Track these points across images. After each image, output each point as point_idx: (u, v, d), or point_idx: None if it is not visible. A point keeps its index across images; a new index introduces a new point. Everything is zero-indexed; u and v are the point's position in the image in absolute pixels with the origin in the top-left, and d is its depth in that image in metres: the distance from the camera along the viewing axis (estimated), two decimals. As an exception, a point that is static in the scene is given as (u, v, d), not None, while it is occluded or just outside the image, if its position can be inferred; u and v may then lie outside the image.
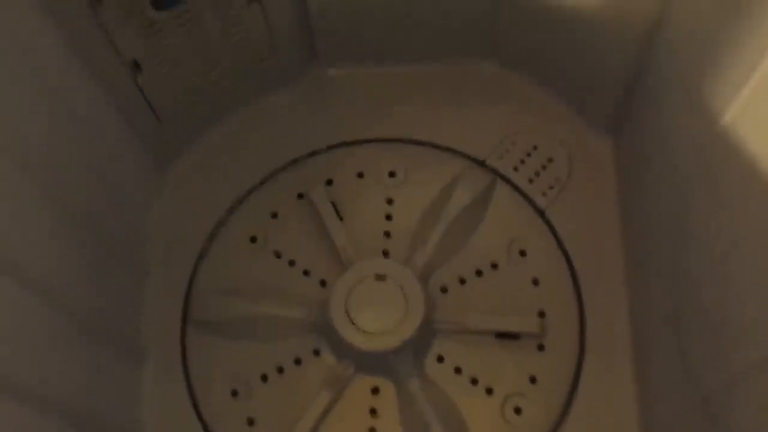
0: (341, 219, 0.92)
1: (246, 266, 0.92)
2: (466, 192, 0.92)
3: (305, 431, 0.82)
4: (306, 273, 0.91)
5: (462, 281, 0.90)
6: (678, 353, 0.72)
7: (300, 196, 0.95)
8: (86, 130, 0.80)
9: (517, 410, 0.83)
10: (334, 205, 0.93)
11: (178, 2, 0.78)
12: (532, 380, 0.85)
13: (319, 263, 0.91)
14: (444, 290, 0.89)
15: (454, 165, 0.95)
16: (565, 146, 0.96)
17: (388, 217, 0.93)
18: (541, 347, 0.86)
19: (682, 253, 0.71)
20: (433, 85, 1.01)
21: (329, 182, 0.95)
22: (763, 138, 0.56)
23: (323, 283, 0.90)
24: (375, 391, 0.85)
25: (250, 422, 0.84)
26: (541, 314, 0.87)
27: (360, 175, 0.96)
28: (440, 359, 0.86)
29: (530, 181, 0.94)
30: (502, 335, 0.86)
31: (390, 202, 0.94)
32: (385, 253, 0.91)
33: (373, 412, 0.84)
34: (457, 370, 0.86)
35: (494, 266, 0.90)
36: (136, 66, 0.85)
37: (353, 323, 0.82)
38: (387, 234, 0.92)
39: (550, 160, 0.95)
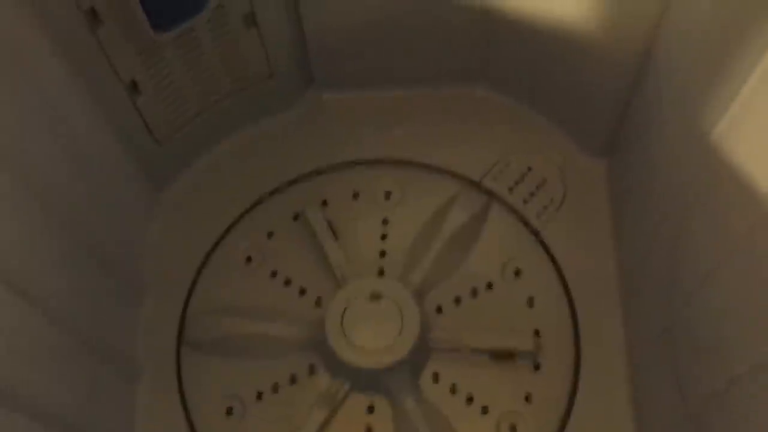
0: (337, 239, 0.93)
1: (242, 286, 0.92)
2: (461, 213, 0.93)
3: (301, 449, 0.82)
4: (302, 292, 0.91)
5: (457, 301, 0.90)
6: (670, 370, 0.72)
7: (296, 216, 0.96)
8: (85, 151, 0.81)
9: (513, 429, 0.83)
10: (330, 225, 0.93)
11: (177, 24, 0.79)
12: (528, 399, 0.85)
13: (314, 282, 0.91)
14: (439, 310, 0.90)
15: (449, 186, 0.96)
16: (558, 168, 0.97)
17: (384, 237, 0.94)
18: (536, 366, 0.86)
19: (674, 270, 0.72)
20: (428, 108, 1.02)
21: (325, 203, 0.96)
22: (749, 152, 0.57)
23: (319, 302, 0.90)
24: (370, 409, 0.85)
25: (245, 440, 0.84)
26: (536, 333, 0.88)
27: (355, 196, 0.97)
28: (436, 378, 0.86)
29: (525, 201, 0.95)
30: (498, 354, 0.86)
31: (385, 222, 0.95)
32: (381, 273, 0.92)
33: (368, 430, 0.84)
34: (453, 389, 0.86)
35: (489, 286, 0.91)
36: (135, 87, 0.86)
37: (348, 341, 0.83)
38: (382, 254, 0.93)
39: (545, 181, 0.96)
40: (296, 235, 0.95)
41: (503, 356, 0.86)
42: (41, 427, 0.66)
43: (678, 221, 0.71)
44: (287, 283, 0.92)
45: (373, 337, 0.83)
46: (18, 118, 0.69)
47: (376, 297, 0.85)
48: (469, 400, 0.85)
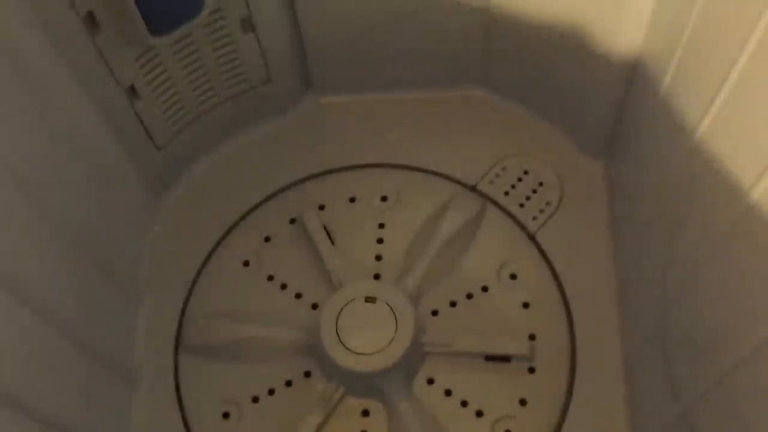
0: (333, 243, 0.93)
1: (239, 289, 0.93)
2: (457, 216, 0.93)
3: (296, 453, 0.82)
4: (298, 296, 0.92)
5: (452, 304, 0.90)
6: (663, 370, 0.72)
7: (293, 220, 0.96)
8: (84, 156, 0.82)
9: (508, 433, 0.83)
10: (326, 229, 0.94)
11: (174, 28, 0.80)
12: (522, 403, 0.85)
13: (310, 286, 0.92)
14: (435, 313, 0.90)
15: (445, 190, 0.96)
16: (555, 171, 0.97)
17: (380, 241, 0.94)
18: (531, 370, 0.86)
19: (666, 270, 0.72)
20: (424, 111, 1.03)
21: (322, 207, 0.97)
22: (730, 151, 0.57)
23: (315, 306, 0.91)
24: (365, 413, 0.85)
25: (241, 444, 0.85)
26: (532, 337, 0.88)
27: (352, 200, 0.97)
28: (430, 381, 0.86)
29: (521, 205, 0.95)
30: (493, 358, 0.86)
31: (382, 226, 0.95)
32: (377, 276, 0.92)
33: (363, 434, 0.85)
34: (447, 393, 0.86)
35: (485, 289, 0.91)
36: (134, 92, 0.86)
37: (343, 344, 0.83)
38: (378, 257, 0.93)
39: (541, 184, 0.96)
40: (293, 239, 0.95)
41: (498, 360, 0.86)
42: (38, 430, 0.67)
43: (670, 222, 0.71)
44: (283, 287, 0.92)
45: (368, 341, 0.83)
46: (16, 123, 0.69)
47: (370, 300, 0.85)
48: (464, 403, 0.85)
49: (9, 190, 0.66)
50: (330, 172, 1.00)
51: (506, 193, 0.96)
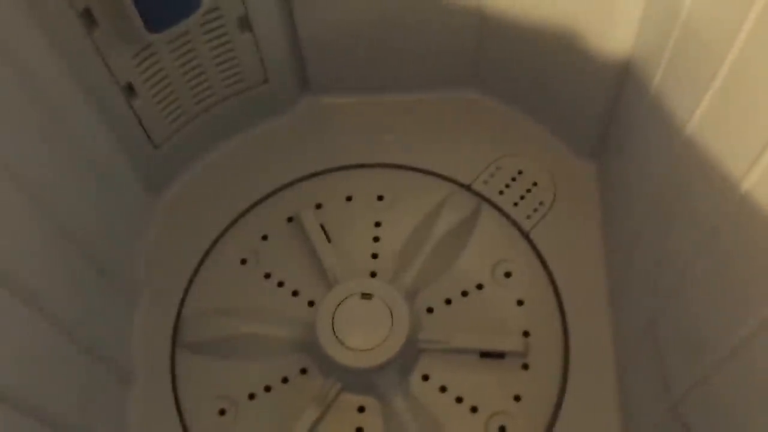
0: (330, 241, 0.94)
1: (236, 287, 0.93)
2: (452, 215, 0.94)
3: (292, 449, 0.83)
4: (295, 294, 0.92)
5: (448, 302, 0.91)
6: (655, 366, 0.73)
7: (290, 219, 0.97)
8: (81, 154, 0.82)
9: (502, 429, 0.84)
10: (323, 227, 0.95)
11: (171, 25, 0.81)
12: (517, 399, 0.85)
13: (307, 284, 0.92)
14: (430, 310, 0.90)
15: (440, 189, 0.97)
16: (549, 170, 0.98)
17: (376, 239, 0.95)
18: (525, 366, 0.87)
19: (657, 267, 0.73)
20: (420, 112, 1.04)
21: (319, 206, 0.98)
22: (716, 150, 0.58)
23: (311, 303, 0.91)
24: (361, 409, 0.86)
25: (238, 440, 0.85)
26: (526, 334, 0.88)
27: (349, 199, 0.98)
28: (426, 378, 0.87)
29: (515, 204, 0.96)
30: (487, 354, 0.87)
31: (378, 224, 0.96)
32: (373, 274, 0.93)
33: (359, 430, 0.85)
34: (443, 389, 0.86)
35: (479, 287, 0.92)
36: (131, 90, 0.87)
37: (339, 340, 0.83)
38: (374, 256, 0.94)
39: (535, 184, 0.97)
40: (290, 238, 0.96)
41: (493, 356, 0.87)
42: (35, 427, 0.67)
43: (660, 220, 0.72)
44: (280, 284, 0.93)
45: (364, 338, 0.84)
46: (13, 121, 0.70)
47: (366, 297, 0.86)
48: (459, 400, 0.86)
49: (5, 189, 0.67)
50: (327, 171, 1.01)
51: (501, 193, 0.97)
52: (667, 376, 0.69)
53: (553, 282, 0.91)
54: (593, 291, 0.90)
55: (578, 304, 0.90)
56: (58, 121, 0.78)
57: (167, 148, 0.96)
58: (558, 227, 0.95)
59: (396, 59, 1.00)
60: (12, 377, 0.65)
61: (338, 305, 0.85)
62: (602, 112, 0.90)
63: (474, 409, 0.85)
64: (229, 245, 0.96)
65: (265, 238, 0.96)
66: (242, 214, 0.98)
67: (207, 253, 0.96)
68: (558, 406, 0.85)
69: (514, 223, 0.95)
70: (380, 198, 0.98)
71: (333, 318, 0.84)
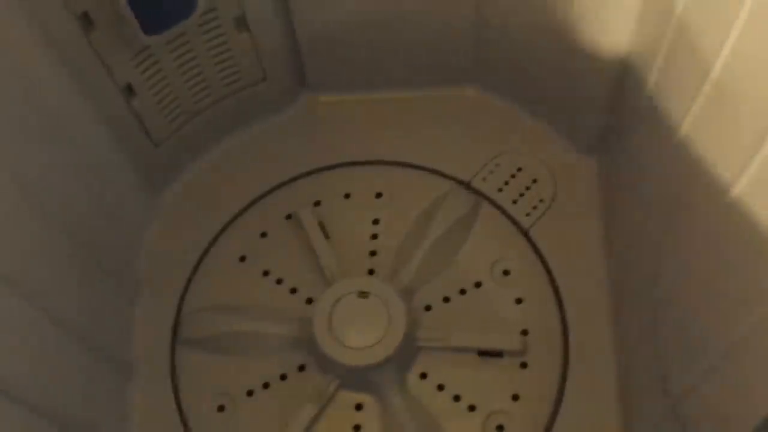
0: (328, 238, 0.94)
1: (235, 284, 0.94)
2: (450, 212, 0.94)
3: (289, 446, 0.83)
4: (293, 291, 0.93)
5: (446, 300, 0.91)
6: (654, 365, 0.73)
7: (288, 216, 0.97)
8: (81, 153, 0.83)
9: (500, 428, 0.84)
10: (321, 225, 0.95)
11: (167, 27, 0.81)
12: (515, 398, 0.85)
13: (305, 281, 0.93)
14: (428, 308, 0.90)
15: (439, 186, 0.97)
16: (548, 167, 0.98)
17: (374, 237, 0.95)
18: (524, 365, 0.87)
19: (658, 266, 0.73)
20: (418, 109, 1.04)
21: (317, 203, 0.98)
22: (714, 147, 0.58)
23: (309, 300, 0.91)
24: (359, 407, 0.86)
25: (236, 437, 0.86)
26: (524, 332, 0.88)
27: (347, 196, 0.98)
28: (423, 376, 0.87)
29: (514, 201, 0.96)
30: (485, 353, 0.87)
31: (376, 222, 0.96)
32: (371, 272, 0.93)
33: (356, 428, 0.85)
34: (440, 387, 0.86)
35: (478, 285, 0.91)
36: (130, 90, 0.88)
37: (336, 339, 0.84)
38: (373, 253, 0.94)
39: (534, 181, 0.97)
40: (289, 235, 0.96)
41: (491, 355, 0.87)
42: (34, 423, 0.68)
43: (659, 219, 0.72)
44: (279, 281, 0.93)
45: (361, 336, 0.84)
46: (13, 123, 0.70)
47: (363, 295, 0.86)
48: (456, 398, 0.86)
49: (5, 189, 0.67)
50: (325, 169, 1.00)
51: (500, 190, 0.97)
52: (666, 376, 0.69)
53: (552, 280, 0.91)
54: (593, 289, 0.90)
55: (578, 302, 0.89)
56: (57, 122, 0.79)
57: (167, 146, 0.96)
58: (558, 225, 0.94)
59: (394, 56, 1.00)
60: (11, 373, 0.65)
61: (335, 303, 0.85)
62: (602, 108, 0.90)
63: (472, 408, 0.85)
64: (229, 242, 0.97)
65: (264, 235, 0.97)
66: (241, 212, 0.98)
67: (206, 251, 0.96)
68: (557, 405, 0.84)
69: (514, 221, 0.95)
70: (379, 195, 0.98)
71: (330, 316, 0.85)
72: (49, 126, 0.77)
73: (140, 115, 0.90)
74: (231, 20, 0.89)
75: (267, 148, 1.03)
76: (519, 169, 0.98)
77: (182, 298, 0.93)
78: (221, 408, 0.87)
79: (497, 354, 0.87)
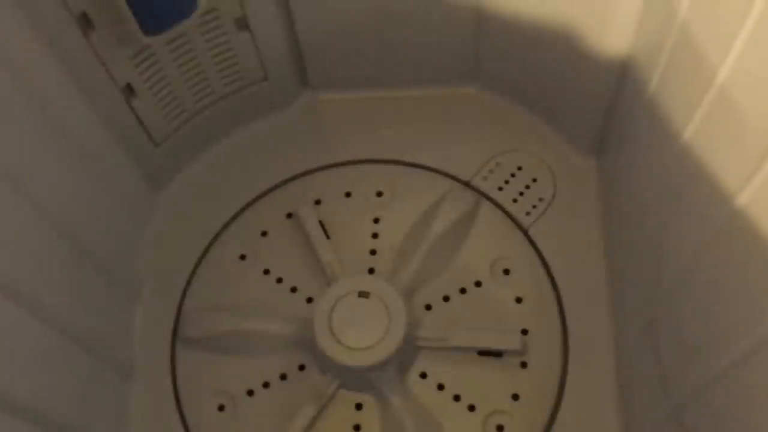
0: (328, 237, 0.94)
1: (235, 283, 0.94)
2: (451, 211, 0.93)
3: (289, 446, 0.83)
4: (293, 290, 0.93)
5: (446, 299, 0.91)
6: (654, 367, 0.73)
7: (289, 215, 0.97)
8: (82, 153, 0.83)
9: (500, 428, 0.84)
10: (322, 224, 0.95)
11: (167, 28, 0.81)
12: (515, 397, 0.85)
13: (306, 281, 0.93)
14: (428, 308, 0.91)
15: (439, 185, 0.97)
16: (548, 167, 0.98)
17: (375, 236, 0.95)
18: (523, 365, 0.87)
19: (658, 267, 0.73)
20: (419, 108, 1.04)
21: (318, 202, 0.98)
22: (718, 151, 0.57)
23: (310, 300, 0.92)
24: (359, 407, 0.86)
25: (236, 436, 0.86)
26: (524, 332, 0.88)
27: (348, 195, 0.98)
28: (423, 376, 0.87)
29: (514, 200, 0.96)
30: (485, 353, 0.87)
31: (377, 221, 0.96)
32: (371, 271, 0.93)
33: (356, 428, 0.85)
34: (440, 387, 0.87)
35: (478, 284, 0.92)
36: (131, 90, 0.87)
37: (336, 339, 0.84)
38: (373, 252, 0.94)
39: (534, 180, 0.97)
40: (289, 234, 0.96)
41: (491, 354, 0.87)
42: (33, 426, 0.68)
43: (661, 220, 0.72)
44: (279, 281, 0.93)
45: (361, 336, 0.84)
46: (12, 122, 0.70)
47: (363, 295, 0.86)
48: (456, 398, 0.86)
49: (4, 188, 0.67)
50: (326, 167, 1.00)
51: (500, 189, 0.97)
52: (666, 379, 0.69)
53: (552, 279, 0.91)
54: (593, 289, 0.90)
55: (578, 301, 0.90)
56: (57, 122, 0.78)
57: (167, 146, 0.96)
58: (558, 224, 0.94)
59: (395, 55, 0.99)
60: (8, 375, 0.65)
61: (335, 303, 0.85)
62: (602, 108, 0.90)
63: (472, 408, 0.85)
64: (229, 241, 0.97)
65: (264, 234, 0.97)
66: (242, 211, 0.98)
67: (207, 249, 0.96)
68: (556, 405, 0.85)
69: (514, 220, 0.95)
70: (379, 194, 0.98)
71: (330, 317, 0.85)
72: (49, 126, 0.77)
73: (140, 114, 0.90)
74: (232, 20, 0.89)
75: (267, 147, 1.03)
76: (519, 168, 0.98)
77: (182, 297, 0.93)
78: (221, 407, 0.87)
79: (497, 354, 0.87)
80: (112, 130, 0.88)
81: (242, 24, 0.90)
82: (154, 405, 0.88)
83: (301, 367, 0.88)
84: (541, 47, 0.90)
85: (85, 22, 0.78)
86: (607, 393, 0.84)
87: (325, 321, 0.85)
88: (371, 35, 0.97)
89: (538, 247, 0.93)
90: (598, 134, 0.94)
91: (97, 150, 0.86)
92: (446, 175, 0.98)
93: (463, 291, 0.91)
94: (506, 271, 0.92)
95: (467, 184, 0.97)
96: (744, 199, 0.53)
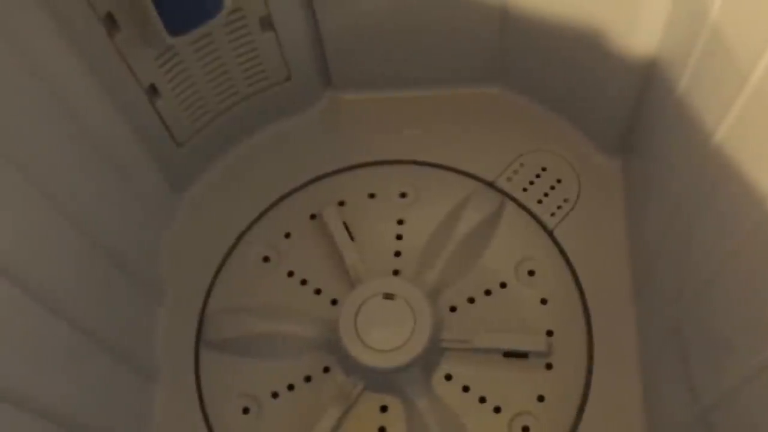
0: (353, 239, 0.94)
1: (259, 285, 0.94)
2: (475, 212, 0.93)
3: (315, 448, 0.83)
4: (317, 292, 0.93)
5: (471, 300, 0.91)
6: (681, 369, 0.72)
7: (313, 216, 0.97)
8: (105, 154, 0.83)
9: (525, 429, 0.84)
10: (345, 225, 0.95)
11: (192, 28, 0.80)
12: (540, 399, 0.85)
13: (330, 282, 0.93)
14: (453, 309, 0.90)
15: (463, 186, 0.97)
16: (573, 167, 0.97)
17: (399, 237, 0.95)
18: (549, 366, 0.87)
19: (684, 269, 0.72)
20: (443, 108, 1.03)
21: (341, 203, 0.97)
22: (750, 154, 0.57)
23: (334, 302, 0.91)
24: (384, 409, 0.86)
25: (261, 439, 0.86)
26: (549, 333, 0.88)
27: (372, 196, 0.98)
28: (448, 377, 0.87)
29: (539, 201, 0.95)
30: (511, 354, 0.87)
31: (401, 222, 0.96)
32: (396, 273, 0.92)
33: (381, 430, 0.85)
34: (465, 389, 0.86)
35: (503, 286, 0.91)
36: (154, 90, 0.87)
37: (361, 340, 0.84)
38: (397, 254, 0.94)
39: (559, 180, 0.96)
40: (313, 235, 0.96)
41: (516, 356, 0.87)
42: (57, 427, 0.68)
43: (687, 220, 0.71)
44: (303, 282, 0.93)
45: (386, 337, 0.84)
46: (36, 122, 0.70)
47: (389, 297, 0.86)
48: (482, 400, 0.86)
49: (29, 189, 0.67)
50: (349, 168, 1.00)
51: (524, 190, 0.96)
52: (693, 382, 0.69)
53: (577, 281, 0.91)
54: (618, 290, 0.89)
55: (603, 303, 0.89)
56: (81, 122, 0.78)
57: (190, 146, 0.96)
58: (582, 225, 0.94)
59: (418, 55, 0.99)
60: (34, 378, 0.65)
61: (361, 305, 0.85)
62: (627, 109, 0.89)
63: (497, 410, 0.85)
64: (253, 243, 0.96)
65: (287, 235, 0.96)
66: (265, 212, 0.98)
67: (230, 251, 0.96)
68: (582, 406, 0.84)
69: (538, 221, 0.94)
70: (403, 195, 0.98)
71: (356, 318, 0.85)
72: (72, 127, 0.77)
73: (164, 115, 0.90)
74: (256, 20, 0.89)
75: (291, 148, 1.03)
76: (543, 169, 0.97)
77: (206, 300, 0.93)
78: (246, 410, 0.87)
79: (522, 355, 0.87)
80: (136, 131, 0.88)
81: (266, 23, 0.90)
82: (178, 407, 0.88)
83: (326, 369, 0.88)
84: (566, 47, 0.89)
85: (111, 22, 0.78)
86: (632, 394, 0.84)
87: (351, 323, 0.84)
88: (394, 35, 0.96)
89: (563, 248, 0.92)
90: (623, 134, 0.93)
91: (120, 150, 0.86)
92: (470, 175, 0.98)
93: (488, 292, 0.91)
94: (531, 273, 0.92)
95: (491, 185, 0.97)
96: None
